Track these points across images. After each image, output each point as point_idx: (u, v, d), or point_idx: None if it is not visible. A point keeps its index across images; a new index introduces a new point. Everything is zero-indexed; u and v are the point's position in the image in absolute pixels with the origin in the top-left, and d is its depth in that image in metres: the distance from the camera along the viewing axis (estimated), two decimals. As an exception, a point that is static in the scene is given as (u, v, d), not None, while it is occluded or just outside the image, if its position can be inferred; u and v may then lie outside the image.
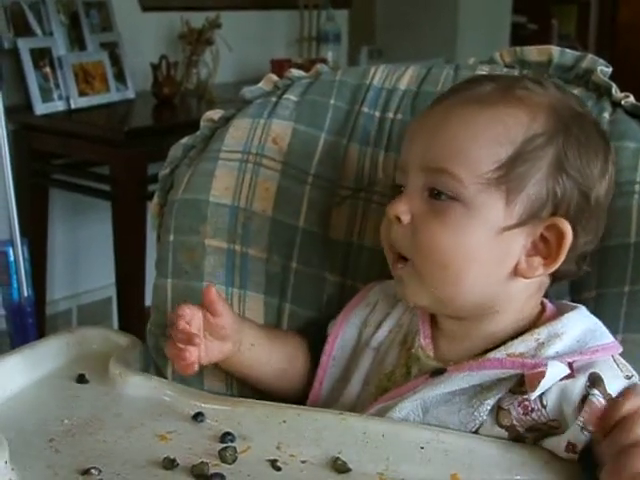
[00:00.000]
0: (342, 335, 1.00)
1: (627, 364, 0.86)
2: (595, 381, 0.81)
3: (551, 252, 0.85)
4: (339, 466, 0.83)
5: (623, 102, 1.02)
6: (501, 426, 0.84)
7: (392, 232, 0.88)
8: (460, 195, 0.83)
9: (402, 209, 0.86)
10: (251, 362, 0.98)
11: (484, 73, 1.05)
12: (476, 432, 0.85)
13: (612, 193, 0.91)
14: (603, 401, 0.80)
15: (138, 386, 0.97)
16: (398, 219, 0.86)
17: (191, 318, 0.92)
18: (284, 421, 0.88)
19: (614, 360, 0.85)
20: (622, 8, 6.25)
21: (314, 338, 1.03)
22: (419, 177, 0.86)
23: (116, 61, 2.72)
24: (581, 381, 0.82)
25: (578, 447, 0.80)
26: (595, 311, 0.94)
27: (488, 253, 0.85)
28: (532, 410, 0.83)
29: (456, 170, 0.83)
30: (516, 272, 0.86)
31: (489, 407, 0.84)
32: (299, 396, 1.00)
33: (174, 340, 0.92)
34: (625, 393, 0.79)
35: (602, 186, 0.87)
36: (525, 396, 0.83)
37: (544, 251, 0.85)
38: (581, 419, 0.79)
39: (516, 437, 0.84)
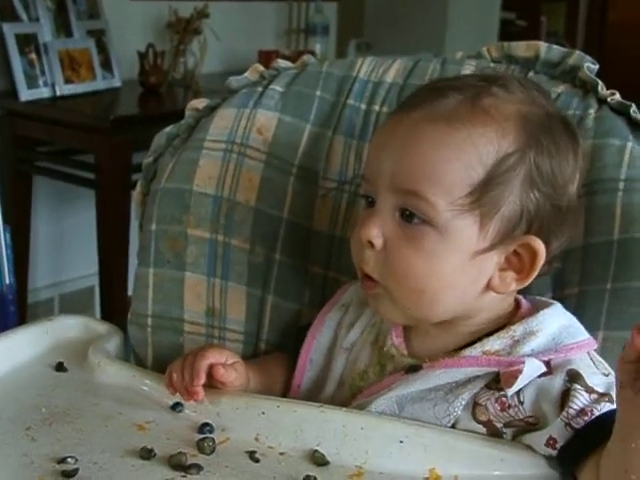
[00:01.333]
0: (319, 337, 1.00)
1: (603, 361, 0.86)
2: (574, 377, 0.81)
3: (524, 268, 0.85)
4: (318, 458, 0.83)
5: (609, 99, 1.02)
6: (478, 421, 0.84)
7: (364, 258, 0.86)
8: (433, 220, 0.82)
9: (374, 233, 0.84)
10: None
11: (450, 79, 0.98)
12: (453, 427, 0.85)
13: (582, 182, 0.90)
14: (586, 394, 0.80)
15: (117, 375, 0.97)
16: (370, 244, 0.85)
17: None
18: (263, 412, 0.87)
19: (590, 358, 0.85)
20: (611, 7, 6.27)
21: (296, 339, 1.02)
22: (390, 197, 0.84)
23: (103, 49, 2.70)
24: (559, 378, 0.82)
25: (558, 443, 0.79)
26: (577, 308, 0.94)
27: (462, 276, 0.84)
28: (509, 407, 0.83)
29: (429, 194, 0.81)
30: (489, 286, 0.85)
31: (464, 402, 0.84)
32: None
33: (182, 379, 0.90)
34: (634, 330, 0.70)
35: (574, 186, 0.87)
36: (502, 392, 0.83)
37: (517, 265, 0.85)
38: (565, 414, 0.79)
39: (494, 432, 0.84)
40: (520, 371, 0.81)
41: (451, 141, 0.81)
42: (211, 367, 0.90)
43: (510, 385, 0.81)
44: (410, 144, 0.83)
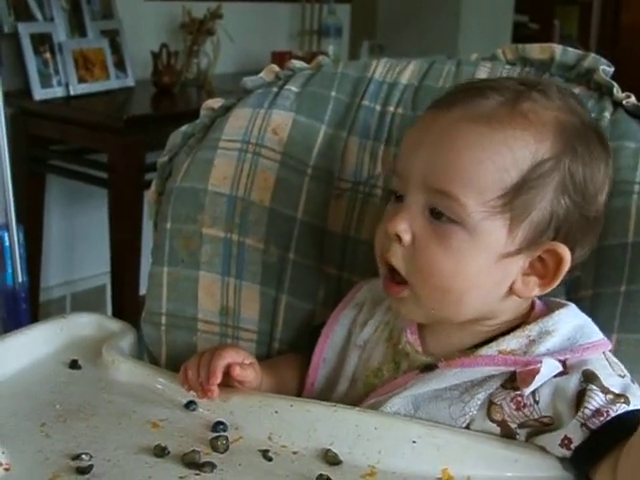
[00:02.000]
0: (332, 336, 1.00)
1: (619, 363, 0.86)
2: (590, 377, 0.81)
3: (548, 273, 0.85)
4: (330, 458, 0.83)
5: (624, 102, 1.02)
6: (493, 421, 0.84)
7: (391, 250, 0.85)
8: (463, 221, 0.82)
9: (403, 227, 0.84)
10: None
11: (488, 80, 0.99)
12: (467, 427, 0.85)
13: (609, 193, 0.90)
14: (602, 395, 0.80)
15: (131, 373, 0.97)
16: (398, 238, 0.84)
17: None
18: (276, 411, 0.88)
19: (606, 359, 0.85)
20: (624, 9, 6.25)
21: (309, 339, 1.02)
22: (420, 194, 0.84)
23: (116, 49, 2.71)
24: (575, 378, 0.82)
25: (573, 443, 0.79)
26: (591, 310, 0.94)
27: (487, 278, 0.84)
28: (524, 406, 0.83)
29: (461, 195, 0.81)
30: (512, 290, 0.86)
31: (479, 402, 0.85)
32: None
33: (197, 377, 0.91)
34: None
35: (602, 196, 0.87)
36: (517, 392, 0.83)
37: (541, 271, 0.85)
38: (581, 415, 0.79)
39: (508, 433, 0.84)
40: (537, 370, 0.81)
41: (487, 143, 0.81)
42: (228, 366, 0.90)
43: (527, 384, 0.81)
44: (445, 143, 0.83)
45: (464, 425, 0.85)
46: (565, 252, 0.84)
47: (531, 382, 0.81)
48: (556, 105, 0.85)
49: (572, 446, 0.79)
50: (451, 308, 0.86)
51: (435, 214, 0.83)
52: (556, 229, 0.83)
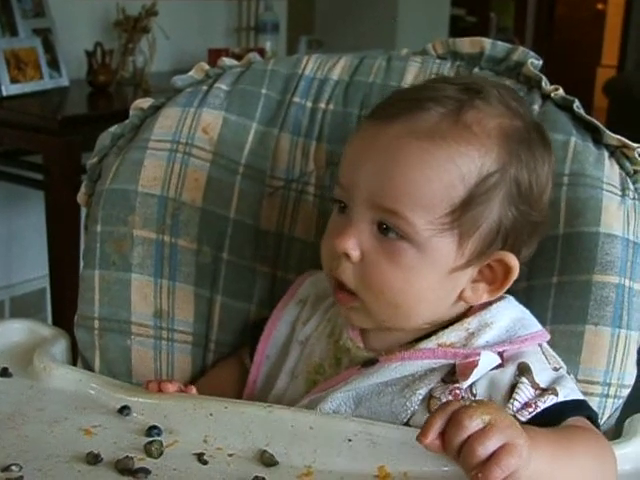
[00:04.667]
0: (275, 333, 1.00)
1: (555, 355, 0.87)
2: (523, 370, 0.82)
3: (496, 280, 0.86)
4: (266, 459, 0.82)
5: (553, 95, 1.03)
6: (433, 414, 0.84)
7: (340, 267, 0.85)
8: (412, 238, 0.81)
9: (351, 245, 0.83)
10: None
11: (428, 89, 0.89)
12: (408, 421, 0.85)
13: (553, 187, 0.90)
14: (531, 389, 0.81)
15: (63, 379, 0.95)
16: (347, 255, 0.84)
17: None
18: (211, 414, 0.87)
19: (542, 352, 0.86)
20: (559, 3, 6.35)
21: (251, 335, 1.02)
22: (367, 210, 0.83)
23: (49, 48, 2.66)
24: (510, 370, 0.83)
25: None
26: (526, 302, 0.95)
27: (438, 291, 0.84)
28: (462, 399, 0.83)
29: (409, 214, 0.80)
30: (461, 297, 0.86)
31: (421, 397, 0.85)
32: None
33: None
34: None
35: (547, 195, 0.87)
36: (456, 385, 0.83)
37: (490, 277, 0.86)
38: (510, 407, 0.80)
39: (449, 426, 0.84)
40: (475, 363, 0.82)
41: (433, 160, 0.80)
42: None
43: (465, 377, 0.82)
44: (390, 161, 0.81)
45: (405, 420, 0.85)
46: (513, 261, 0.84)
47: (469, 375, 0.82)
48: (499, 111, 0.84)
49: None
50: (401, 320, 0.86)
51: (383, 229, 0.83)
52: (504, 238, 0.84)
